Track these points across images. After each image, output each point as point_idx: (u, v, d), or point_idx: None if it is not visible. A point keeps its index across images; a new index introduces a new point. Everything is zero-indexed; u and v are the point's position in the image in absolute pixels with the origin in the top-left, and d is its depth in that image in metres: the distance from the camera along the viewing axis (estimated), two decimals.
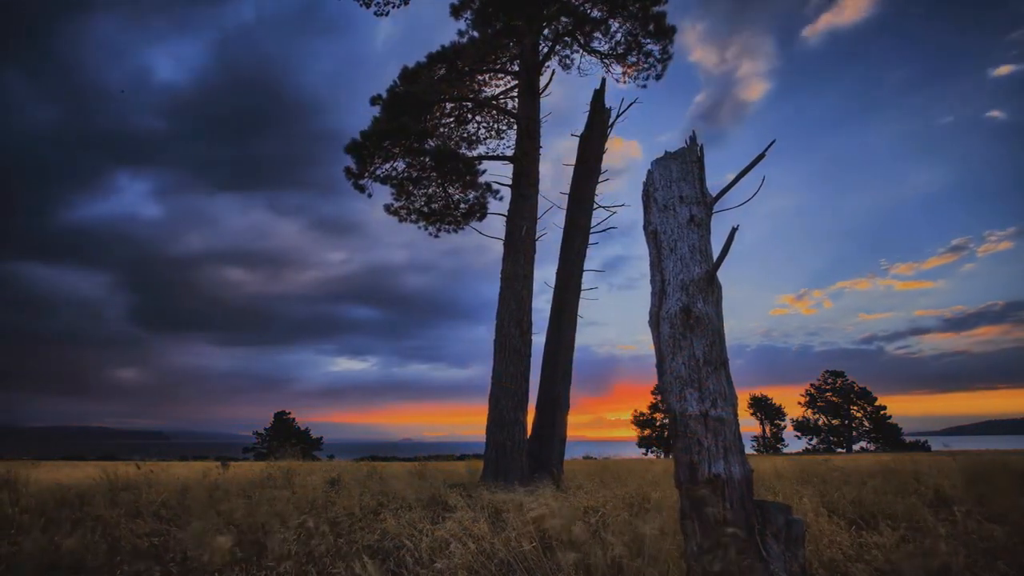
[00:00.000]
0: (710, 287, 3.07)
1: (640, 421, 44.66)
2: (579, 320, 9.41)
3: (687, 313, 2.98)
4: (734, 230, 2.96)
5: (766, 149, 3.29)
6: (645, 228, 3.43)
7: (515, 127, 10.74)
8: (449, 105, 11.14)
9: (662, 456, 38.89)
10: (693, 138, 3.52)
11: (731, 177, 3.32)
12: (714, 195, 3.39)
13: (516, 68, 10.79)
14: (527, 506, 3.58)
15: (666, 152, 3.57)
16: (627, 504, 4.33)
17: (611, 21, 10.78)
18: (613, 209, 10.41)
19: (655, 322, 3.17)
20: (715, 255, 3.14)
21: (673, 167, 3.43)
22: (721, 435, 2.76)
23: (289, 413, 41.27)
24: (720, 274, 3.13)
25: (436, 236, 11.26)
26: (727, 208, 3.42)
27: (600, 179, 10.06)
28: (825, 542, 3.07)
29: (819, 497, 4.96)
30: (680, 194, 3.32)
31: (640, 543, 2.64)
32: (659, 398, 44.00)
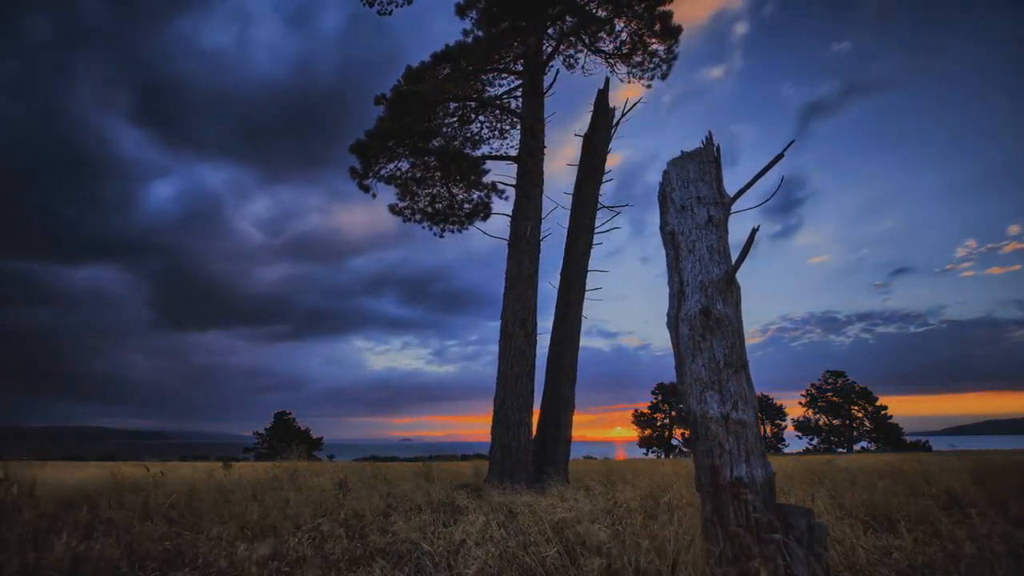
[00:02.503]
0: (729, 288, 3.05)
1: (641, 421, 44.64)
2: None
3: (707, 315, 2.96)
4: (754, 231, 2.94)
5: (784, 150, 3.27)
6: (662, 229, 3.41)
7: (519, 127, 10.70)
8: (453, 105, 11.09)
9: (663, 456, 38.87)
10: (709, 138, 3.50)
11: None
12: (731, 195, 3.37)
13: (520, 68, 10.75)
14: (543, 508, 3.55)
15: (682, 152, 3.54)
16: (639, 506, 4.30)
17: (616, 21, 10.74)
18: (617, 209, 10.39)
19: (674, 324, 3.15)
20: (734, 256, 3.12)
21: (690, 167, 3.41)
22: (743, 438, 2.74)
23: (289, 413, 41.28)
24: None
25: (440, 236, 11.25)
26: (746, 208, 3.39)
27: (604, 179, 10.05)
28: (848, 544, 3.05)
29: (830, 499, 4.94)
30: (698, 195, 3.30)
31: (663, 546, 2.61)
32: (659, 397, 44.00)
